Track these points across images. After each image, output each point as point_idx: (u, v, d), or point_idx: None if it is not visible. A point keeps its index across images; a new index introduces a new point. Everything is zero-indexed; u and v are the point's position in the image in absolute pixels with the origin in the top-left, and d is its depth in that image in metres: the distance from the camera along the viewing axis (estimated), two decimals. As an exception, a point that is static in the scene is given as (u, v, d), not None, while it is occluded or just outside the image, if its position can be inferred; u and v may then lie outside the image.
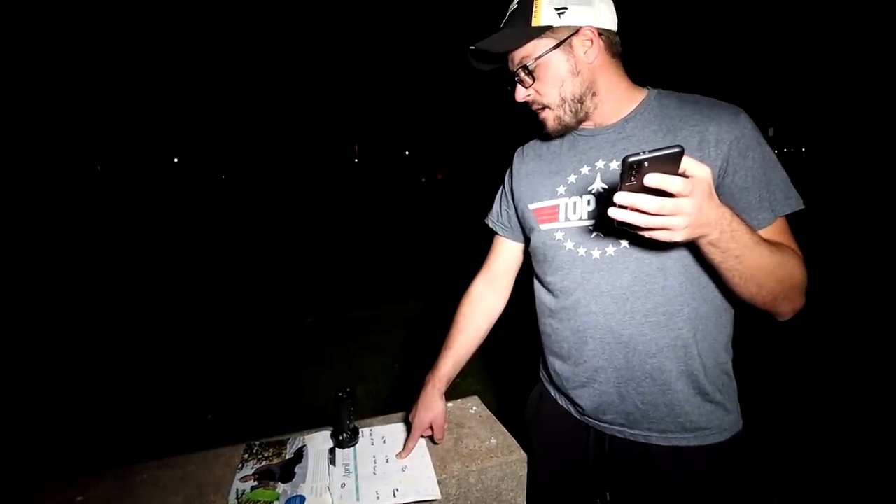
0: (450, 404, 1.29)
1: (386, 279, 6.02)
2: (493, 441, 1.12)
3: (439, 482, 0.98)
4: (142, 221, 12.78)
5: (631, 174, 0.59)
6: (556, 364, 1.03)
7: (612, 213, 0.62)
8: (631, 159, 0.57)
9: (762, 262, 0.72)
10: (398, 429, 1.17)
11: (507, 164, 1.15)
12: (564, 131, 0.95)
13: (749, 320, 1.06)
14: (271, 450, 1.10)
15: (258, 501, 0.93)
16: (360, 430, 1.15)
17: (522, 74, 0.90)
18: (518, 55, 0.90)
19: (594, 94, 0.91)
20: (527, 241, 1.10)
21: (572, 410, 1.04)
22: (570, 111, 0.91)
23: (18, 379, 3.41)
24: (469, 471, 1.03)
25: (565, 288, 0.96)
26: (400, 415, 1.22)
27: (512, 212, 1.13)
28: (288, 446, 1.11)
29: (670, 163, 0.58)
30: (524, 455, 1.09)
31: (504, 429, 1.18)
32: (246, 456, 1.07)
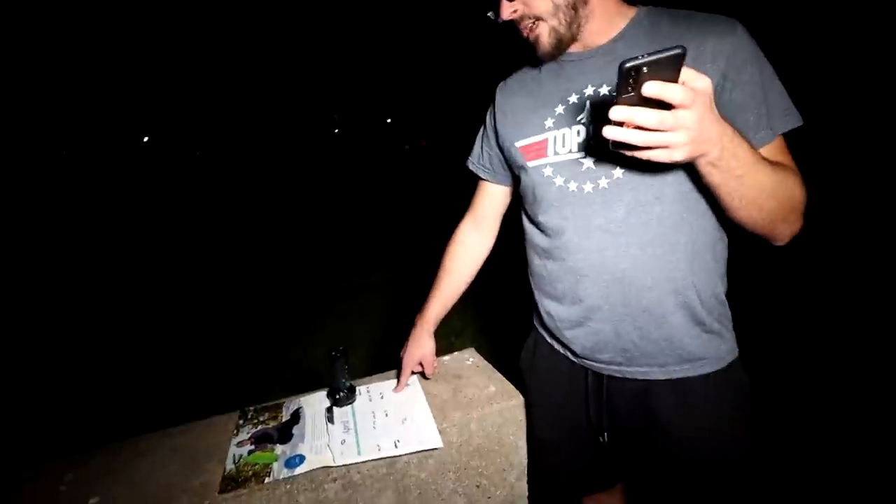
0: (446, 357, 1.28)
1: (374, 248, 5.97)
2: (492, 388, 1.11)
3: (440, 431, 0.97)
4: (116, 205, 12.45)
5: (628, 83, 0.54)
6: (550, 306, 1.00)
7: (608, 131, 0.57)
8: (628, 65, 0.53)
9: (763, 182, 0.69)
10: (395, 384, 1.15)
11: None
12: (558, 49, 0.87)
13: (744, 248, 1.03)
14: (267, 414, 1.07)
15: (256, 464, 0.91)
16: (357, 388, 1.13)
17: None
18: None
19: (585, 2, 0.83)
20: (516, 181, 1.05)
21: (568, 354, 1.02)
22: (565, 20, 0.83)
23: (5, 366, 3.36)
24: (470, 418, 1.02)
25: (557, 226, 0.92)
26: (395, 372, 1.21)
27: (495, 153, 1.07)
28: (284, 409, 1.09)
29: (671, 69, 0.54)
30: (521, 399, 1.08)
31: (502, 376, 1.17)
32: (241, 422, 1.05)
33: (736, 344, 0.94)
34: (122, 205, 12.54)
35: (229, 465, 0.91)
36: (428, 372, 1.14)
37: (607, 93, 0.85)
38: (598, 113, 0.86)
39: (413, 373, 1.15)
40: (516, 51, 0.95)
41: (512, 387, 1.12)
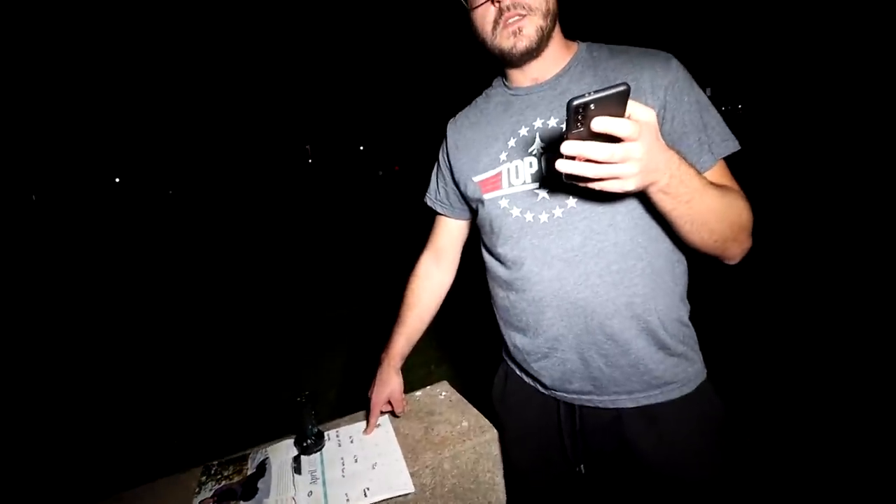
0: (418, 392, 1.26)
1: (348, 279, 5.90)
2: (465, 424, 1.09)
3: (412, 474, 0.94)
4: (85, 249, 12.10)
5: (577, 120, 0.56)
6: (516, 338, 0.99)
7: (560, 165, 0.58)
8: (576, 102, 0.54)
9: (712, 205, 0.71)
10: (364, 426, 1.12)
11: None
12: (533, 51, 0.86)
13: (702, 270, 1.05)
14: (231, 468, 1.03)
15: (219, 525, 0.86)
16: (326, 432, 1.09)
17: None
18: None
19: (554, 24, 0.86)
20: (474, 214, 1.05)
21: (538, 386, 1.00)
22: (549, 26, 0.85)
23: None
24: (442, 458, 0.99)
25: (516, 257, 0.92)
26: (365, 412, 1.17)
27: (451, 188, 1.07)
28: (249, 461, 1.04)
29: (617, 104, 0.55)
30: (496, 433, 1.06)
31: (475, 410, 1.15)
32: (203, 478, 1.00)
33: (703, 366, 0.94)
34: (93, 244, 12.20)
35: (189, 529, 0.86)
36: (397, 410, 1.12)
37: (555, 125, 0.86)
38: (549, 145, 0.87)
39: (382, 412, 1.13)
40: (465, 86, 0.96)
41: (486, 421, 1.10)
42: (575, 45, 0.91)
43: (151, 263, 8.87)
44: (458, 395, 1.24)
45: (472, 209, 1.05)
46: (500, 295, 1.01)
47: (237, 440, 1.37)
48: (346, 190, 21.20)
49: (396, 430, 1.09)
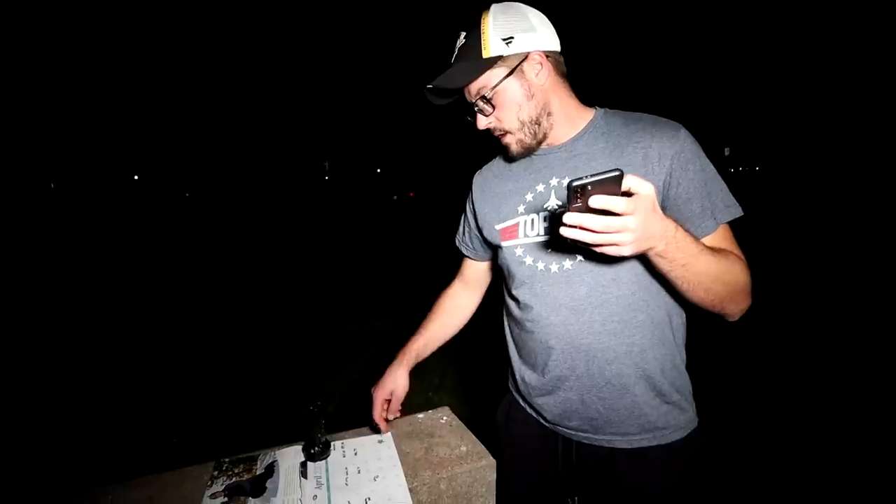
0: (421, 415, 1.32)
1: (360, 296, 5.98)
2: (463, 448, 1.15)
3: (410, 490, 1.00)
4: (98, 240, 12.30)
5: (576, 196, 0.63)
6: (525, 373, 1.08)
7: (563, 231, 0.66)
8: (575, 184, 0.62)
9: (708, 268, 0.77)
10: (370, 441, 1.18)
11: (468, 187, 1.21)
12: (527, 153, 1.00)
13: (703, 323, 1.13)
14: (241, 466, 1.09)
15: (229, 517, 0.92)
16: (332, 443, 1.16)
17: (482, 104, 0.95)
18: (475, 87, 0.94)
19: (549, 114, 0.96)
20: (495, 257, 1.15)
21: (540, 419, 1.08)
22: (530, 133, 0.96)
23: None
24: (440, 478, 1.05)
25: (528, 301, 1.01)
26: (369, 428, 1.24)
27: (475, 234, 1.19)
28: (259, 462, 1.11)
29: (612, 184, 0.62)
30: (493, 461, 1.12)
31: (474, 437, 1.21)
32: (216, 473, 1.07)
33: (696, 414, 1.01)
34: (107, 238, 12.39)
35: (201, 518, 0.92)
36: (391, 410, 1.16)
37: (566, 184, 0.96)
38: (559, 204, 0.97)
39: (387, 421, 1.18)
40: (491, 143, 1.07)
41: (483, 447, 1.16)
42: (591, 111, 1.00)
43: (164, 262, 9.00)
44: (459, 420, 1.30)
45: (494, 253, 1.15)
46: (514, 331, 1.10)
47: (246, 442, 1.44)
48: (361, 210, 21.48)
49: (398, 447, 1.15)
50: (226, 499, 0.98)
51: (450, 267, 1.31)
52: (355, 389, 3.30)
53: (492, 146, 1.10)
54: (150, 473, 1.09)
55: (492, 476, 1.12)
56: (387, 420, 1.18)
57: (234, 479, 1.04)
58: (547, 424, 1.07)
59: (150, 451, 2.62)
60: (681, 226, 0.73)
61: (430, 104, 1.02)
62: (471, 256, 1.24)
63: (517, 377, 1.11)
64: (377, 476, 1.04)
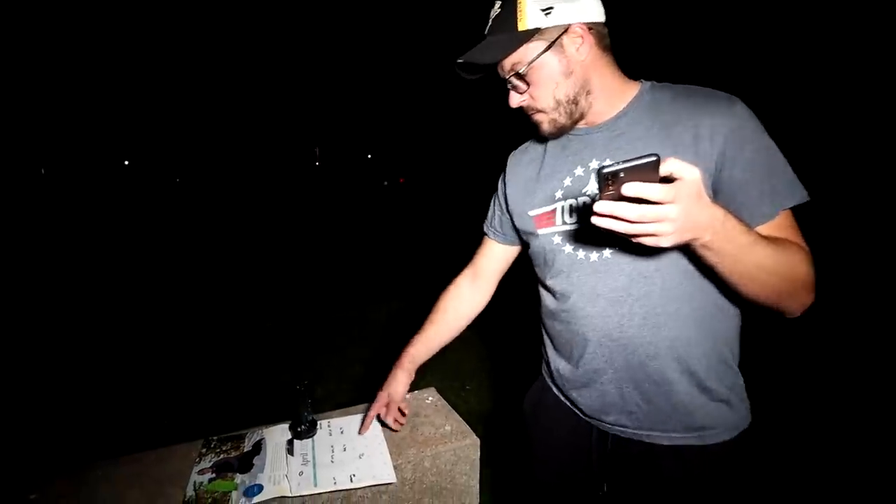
0: (407, 395, 1.34)
1: (351, 282, 5.99)
2: (448, 428, 1.18)
3: (395, 467, 1.03)
4: (88, 225, 12.16)
5: (608, 185, 0.57)
6: (559, 364, 1.02)
7: (595, 221, 0.60)
8: (605, 171, 0.56)
9: (762, 261, 0.69)
10: (356, 420, 1.20)
11: (496, 167, 1.14)
12: (560, 133, 0.93)
13: (758, 318, 0.98)
14: (229, 444, 1.11)
15: (216, 492, 0.95)
16: (318, 422, 1.18)
17: (515, 81, 0.88)
18: (508, 62, 0.87)
19: (588, 92, 0.88)
20: (525, 246, 1.09)
21: (575, 411, 1.03)
22: (566, 113, 0.89)
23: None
24: (424, 455, 1.08)
25: (564, 291, 0.95)
26: (358, 407, 1.26)
27: (506, 218, 1.11)
28: (246, 440, 1.13)
29: (648, 171, 0.56)
30: (477, 440, 1.15)
31: (458, 416, 1.24)
32: (204, 450, 1.09)
33: (749, 413, 0.93)
34: (100, 227, 12.24)
35: (189, 492, 0.94)
36: (388, 413, 1.11)
37: (595, 170, 0.89)
38: (590, 204, 0.89)
39: (380, 423, 1.15)
40: (478, 106, 1.03)
41: (467, 427, 1.19)
42: (636, 86, 0.91)
43: (155, 247, 8.93)
44: (444, 401, 1.33)
45: (524, 241, 1.09)
46: (548, 323, 1.05)
47: (235, 421, 1.45)
48: (351, 195, 21.37)
49: (384, 426, 1.18)
50: (213, 474, 1.00)
51: (442, 254, 1.28)
52: (343, 373, 3.33)
53: (492, 139, 1.07)
54: (144, 447, 1.11)
55: (475, 455, 1.15)
56: (384, 424, 1.14)
57: (221, 456, 1.07)
58: (583, 416, 1.01)
59: (140, 433, 2.64)
60: (734, 213, 0.66)
61: (438, 76, 0.96)
62: (500, 241, 1.16)
63: (552, 367, 1.05)
64: (362, 454, 1.07)
